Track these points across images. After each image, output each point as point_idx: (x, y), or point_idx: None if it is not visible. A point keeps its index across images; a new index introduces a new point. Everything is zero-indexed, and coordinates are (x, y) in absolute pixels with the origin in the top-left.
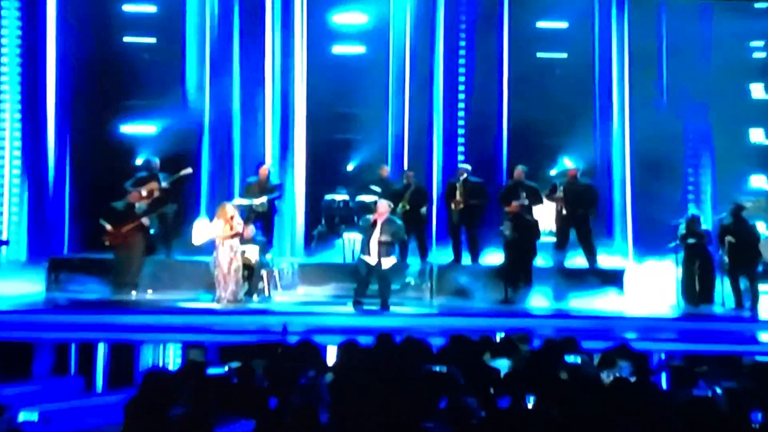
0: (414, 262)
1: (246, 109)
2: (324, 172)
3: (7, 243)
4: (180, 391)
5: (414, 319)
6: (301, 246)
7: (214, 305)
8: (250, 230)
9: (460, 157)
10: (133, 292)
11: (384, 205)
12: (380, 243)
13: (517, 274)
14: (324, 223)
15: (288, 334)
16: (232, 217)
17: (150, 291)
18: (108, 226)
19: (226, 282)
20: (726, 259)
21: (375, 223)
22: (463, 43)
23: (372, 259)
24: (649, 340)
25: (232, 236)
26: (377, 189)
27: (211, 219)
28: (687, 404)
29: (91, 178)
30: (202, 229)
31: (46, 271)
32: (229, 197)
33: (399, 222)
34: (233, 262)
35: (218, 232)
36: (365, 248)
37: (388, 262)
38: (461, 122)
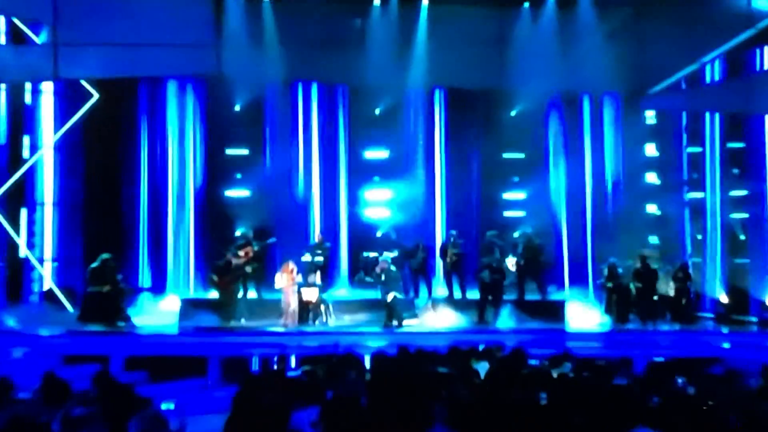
0: (423, 297)
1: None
2: (361, 236)
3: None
4: (269, 387)
5: (422, 336)
6: (347, 286)
7: (281, 329)
8: (313, 277)
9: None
10: (242, 320)
11: (384, 260)
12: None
13: (489, 305)
14: (362, 272)
15: (339, 348)
16: (292, 270)
17: (243, 320)
18: (215, 278)
19: (288, 313)
20: (635, 291)
21: (381, 273)
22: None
23: (386, 298)
24: (584, 347)
25: (291, 284)
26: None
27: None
28: (613, 389)
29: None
30: (279, 278)
31: (179, 308)
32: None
33: (393, 269)
34: (294, 300)
35: (283, 281)
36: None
37: (390, 297)
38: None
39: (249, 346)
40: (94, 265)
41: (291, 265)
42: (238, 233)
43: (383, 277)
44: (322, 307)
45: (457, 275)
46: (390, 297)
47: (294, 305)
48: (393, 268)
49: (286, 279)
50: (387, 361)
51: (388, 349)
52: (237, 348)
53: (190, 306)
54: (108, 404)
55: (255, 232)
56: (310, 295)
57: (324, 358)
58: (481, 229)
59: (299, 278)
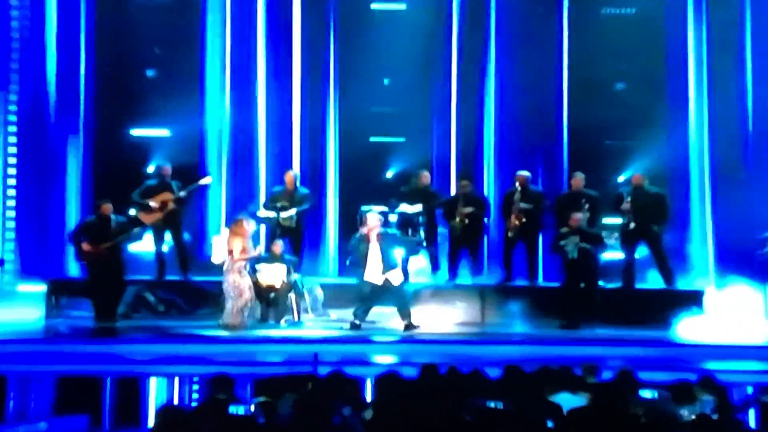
0: (465, 280)
1: (271, 111)
2: (359, 179)
3: (2, 263)
4: (199, 431)
5: (462, 346)
6: (335, 265)
7: (221, 332)
8: (279, 246)
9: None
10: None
11: (374, 218)
12: (382, 259)
13: (579, 295)
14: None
15: (320, 365)
16: (247, 233)
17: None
18: (84, 244)
19: (235, 307)
20: None
21: (368, 238)
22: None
23: (377, 278)
24: (736, 371)
25: (244, 259)
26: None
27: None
28: None
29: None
30: (221, 246)
31: (45, 295)
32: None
33: (396, 233)
34: (241, 285)
35: (233, 249)
36: (363, 267)
37: (396, 278)
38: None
39: (165, 361)
40: None
41: (249, 226)
42: (150, 169)
43: (365, 248)
44: (293, 296)
45: (527, 245)
46: (397, 279)
47: (247, 294)
48: (391, 231)
49: (238, 247)
50: (401, 389)
51: (403, 368)
52: (138, 364)
53: (64, 292)
54: None
55: (176, 169)
56: (273, 276)
57: (294, 381)
58: (570, 171)
59: (278, 247)
